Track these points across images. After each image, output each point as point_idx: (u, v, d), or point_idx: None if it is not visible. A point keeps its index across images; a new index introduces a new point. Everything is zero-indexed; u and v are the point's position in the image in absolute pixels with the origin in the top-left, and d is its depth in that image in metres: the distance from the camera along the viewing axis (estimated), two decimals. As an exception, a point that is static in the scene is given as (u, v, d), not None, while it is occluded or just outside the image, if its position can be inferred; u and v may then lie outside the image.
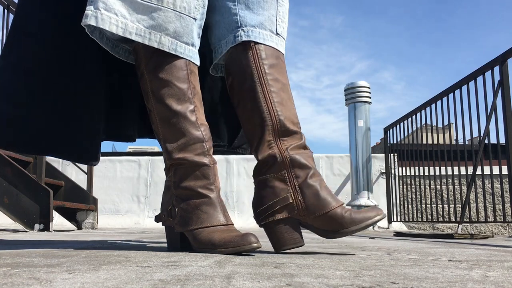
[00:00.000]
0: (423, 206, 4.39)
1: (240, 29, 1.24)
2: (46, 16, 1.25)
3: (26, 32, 1.24)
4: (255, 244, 1.04)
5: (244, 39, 1.23)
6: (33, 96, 1.23)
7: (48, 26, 1.25)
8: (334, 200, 1.16)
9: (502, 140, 2.83)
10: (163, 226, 1.26)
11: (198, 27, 1.22)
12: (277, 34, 1.28)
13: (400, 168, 4.82)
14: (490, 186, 5.32)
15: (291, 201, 1.16)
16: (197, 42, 1.22)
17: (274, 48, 1.27)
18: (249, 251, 1.06)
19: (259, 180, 1.21)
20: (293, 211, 1.16)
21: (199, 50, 1.27)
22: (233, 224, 1.15)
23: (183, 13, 1.17)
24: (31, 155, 3.65)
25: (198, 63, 1.22)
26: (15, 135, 1.21)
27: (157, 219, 1.23)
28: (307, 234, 2.94)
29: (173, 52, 1.15)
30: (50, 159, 5.05)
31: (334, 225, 1.14)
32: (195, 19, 1.20)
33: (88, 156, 1.30)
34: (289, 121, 1.22)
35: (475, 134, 3.28)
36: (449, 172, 3.87)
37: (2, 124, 1.20)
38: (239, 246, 1.04)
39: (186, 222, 1.15)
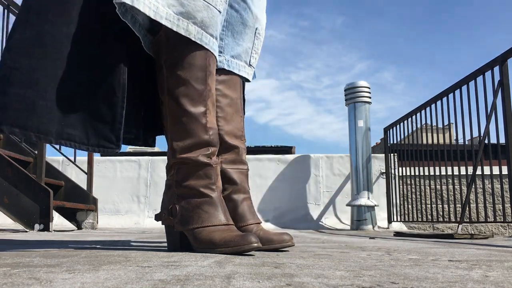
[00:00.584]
0: (423, 206, 4.39)
1: (222, 55, 1.37)
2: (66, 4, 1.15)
3: (43, 16, 1.11)
4: (255, 244, 1.04)
5: (225, 67, 1.37)
6: (48, 80, 1.10)
7: (69, 12, 1.14)
8: (252, 218, 1.31)
9: (502, 140, 2.83)
10: (163, 226, 1.26)
11: (220, 22, 1.23)
12: (249, 65, 1.44)
13: (400, 168, 4.82)
14: (490, 186, 5.32)
15: None
16: (219, 37, 1.23)
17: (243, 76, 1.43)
18: (249, 251, 1.06)
19: None
20: None
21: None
22: (233, 225, 1.16)
23: (211, 4, 1.18)
24: (31, 155, 3.65)
25: (217, 56, 1.22)
26: (27, 119, 1.07)
27: (157, 217, 1.23)
28: (307, 234, 2.95)
29: (198, 42, 1.15)
30: (50, 159, 5.05)
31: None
32: (220, 12, 1.21)
33: (105, 145, 1.18)
34: (230, 135, 1.36)
35: (475, 134, 3.28)
36: (449, 172, 3.87)
37: (12, 107, 1.06)
38: (239, 246, 1.04)
39: (186, 221, 1.14)
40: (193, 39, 1.14)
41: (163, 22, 1.11)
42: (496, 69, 2.90)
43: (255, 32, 1.42)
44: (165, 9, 1.11)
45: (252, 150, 10.20)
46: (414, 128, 4.36)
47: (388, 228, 4.68)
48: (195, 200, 1.14)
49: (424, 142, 4.36)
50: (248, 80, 1.47)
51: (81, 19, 1.16)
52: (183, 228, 1.15)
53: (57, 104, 1.10)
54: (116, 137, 1.19)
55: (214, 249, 1.07)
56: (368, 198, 4.37)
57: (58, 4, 1.13)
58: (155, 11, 1.10)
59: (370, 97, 4.52)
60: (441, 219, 3.95)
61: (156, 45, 1.20)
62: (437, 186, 4.34)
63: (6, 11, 3.58)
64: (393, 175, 4.81)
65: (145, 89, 1.40)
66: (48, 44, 1.10)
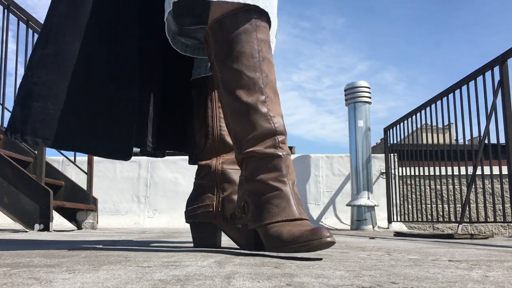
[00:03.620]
0: (423, 206, 4.39)
1: None
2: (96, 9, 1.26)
3: (61, 36, 1.23)
4: (328, 239, 0.93)
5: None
6: (65, 94, 1.21)
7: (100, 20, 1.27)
8: None
9: (502, 140, 2.83)
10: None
11: None
12: None
13: (400, 168, 4.82)
14: (490, 186, 5.32)
15: (211, 210, 1.32)
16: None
17: None
18: (322, 247, 0.94)
19: (195, 183, 1.38)
20: (212, 218, 1.32)
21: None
22: (307, 219, 1.06)
23: None
24: (31, 155, 3.65)
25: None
26: (47, 130, 1.18)
27: (232, 217, 1.16)
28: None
29: (266, 10, 1.11)
30: (50, 159, 5.05)
31: (243, 239, 1.27)
32: None
33: (120, 153, 1.30)
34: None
35: (475, 134, 3.28)
36: (449, 172, 3.87)
37: (34, 119, 1.17)
38: (309, 241, 0.93)
39: (258, 217, 1.06)
40: (262, 7, 1.10)
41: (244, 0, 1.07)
42: (496, 69, 2.90)
43: None
44: None
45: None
46: (414, 128, 4.36)
47: (388, 228, 4.68)
48: (265, 195, 1.06)
49: (424, 142, 4.36)
50: None
51: (96, 38, 1.27)
52: (255, 225, 1.07)
53: (74, 116, 1.22)
54: (127, 148, 1.30)
55: (282, 247, 0.98)
56: (368, 198, 4.37)
57: (75, 26, 1.25)
58: None
59: (370, 97, 4.52)
60: (441, 219, 3.95)
61: (206, 42, 1.16)
62: (437, 186, 4.34)
63: (6, 11, 3.58)
64: (393, 175, 4.81)
65: (159, 102, 1.44)
66: (65, 61, 1.22)
